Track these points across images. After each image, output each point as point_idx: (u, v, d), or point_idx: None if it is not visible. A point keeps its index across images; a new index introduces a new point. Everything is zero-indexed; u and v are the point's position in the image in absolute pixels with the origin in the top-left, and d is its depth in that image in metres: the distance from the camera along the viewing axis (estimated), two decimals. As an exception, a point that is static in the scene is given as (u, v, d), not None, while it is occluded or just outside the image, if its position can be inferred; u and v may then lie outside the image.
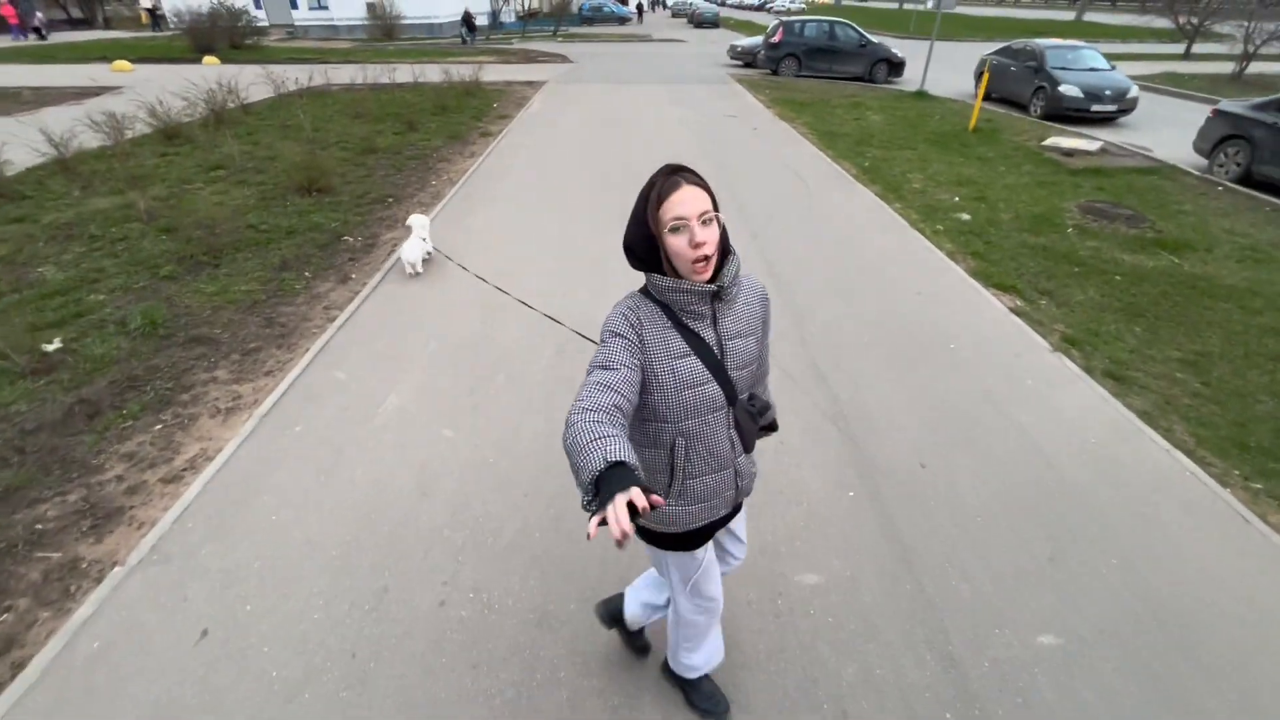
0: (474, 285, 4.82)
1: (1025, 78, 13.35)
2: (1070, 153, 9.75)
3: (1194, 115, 13.48)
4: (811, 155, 9.03)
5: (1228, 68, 17.74)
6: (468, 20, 25.54)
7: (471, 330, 4.20)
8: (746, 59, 19.32)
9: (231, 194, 6.63)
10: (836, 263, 5.35)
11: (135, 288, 4.61)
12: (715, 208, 1.32)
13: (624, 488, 0.97)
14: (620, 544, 0.91)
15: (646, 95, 13.64)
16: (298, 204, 6.39)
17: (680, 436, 1.42)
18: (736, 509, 1.68)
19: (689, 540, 1.59)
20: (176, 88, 9.69)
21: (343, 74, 14.10)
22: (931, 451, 3.09)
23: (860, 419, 3.34)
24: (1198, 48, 21.36)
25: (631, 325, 1.35)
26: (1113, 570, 2.45)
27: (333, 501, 2.74)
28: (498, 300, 4.59)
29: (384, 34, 27.38)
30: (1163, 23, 23.23)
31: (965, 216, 6.69)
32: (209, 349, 3.91)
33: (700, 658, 1.85)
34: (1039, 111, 12.83)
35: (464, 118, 10.88)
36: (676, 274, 1.34)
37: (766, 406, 1.56)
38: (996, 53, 14.99)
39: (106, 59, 17.71)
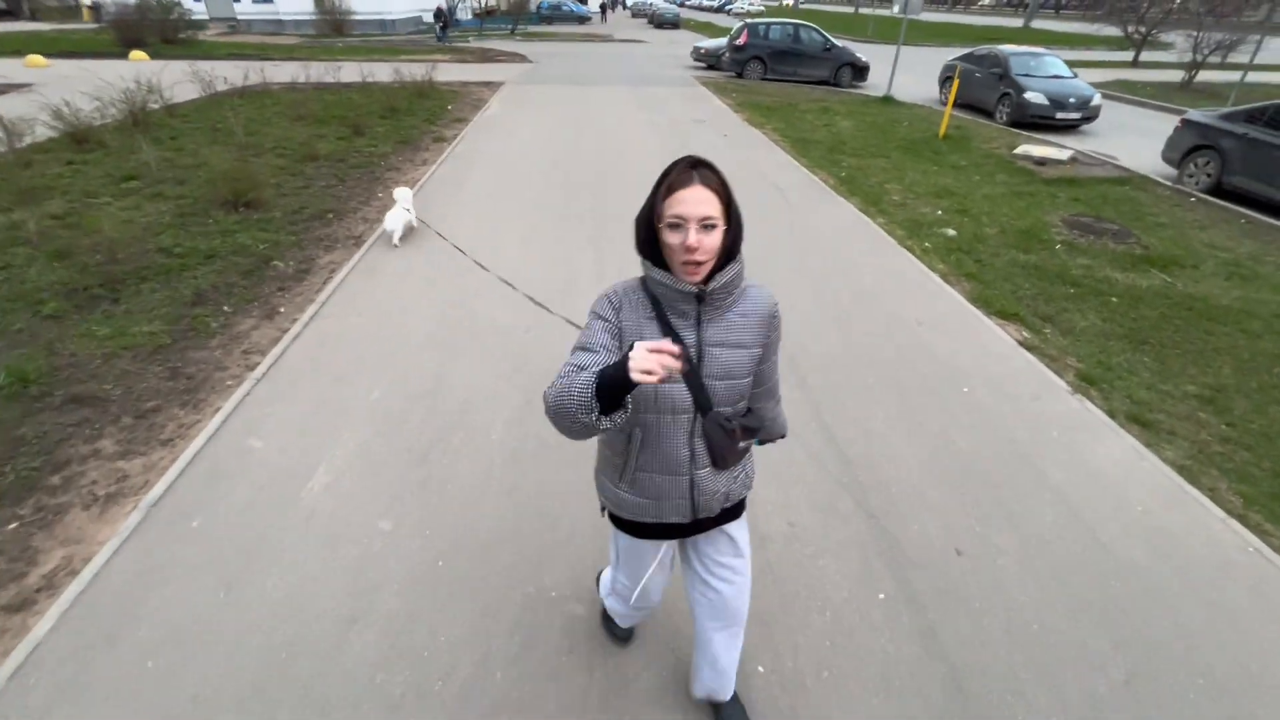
0: (428, 313, 4.21)
1: (990, 84, 13.31)
2: (1042, 161, 9.63)
3: (1152, 123, 13.71)
4: (786, 164, 8.64)
5: (1176, 75, 18.21)
6: (441, 15, 24.48)
7: (423, 374, 3.60)
8: (710, 61, 18.97)
9: (144, 210, 5.82)
10: (826, 286, 4.92)
11: (10, 331, 3.84)
12: (728, 215, 1.27)
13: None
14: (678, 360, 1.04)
15: (610, 98, 13.11)
16: (222, 221, 5.64)
17: (637, 427, 1.40)
18: (700, 525, 1.55)
19: (637, 530, 1.58)
20: (93, 86, 8.68)
21: (284, 72, 13.12)
22: (965, 531, 2.65)
23: (878, 487, 2.89)
24: (1144, 55, 21.97)
25: (614, 308, 1.34)
26: (1201, 694, 2.04)
27: (234, 633, 2.13)
28: (454, 333, 3.99)
29: (333, 30, 26.13)
30: (1111, 30, 23.84)
31: (951, 232, 6.37)
32: (94, 412, 3.21)
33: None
34: (1004, 118, 12.80)
35: (416, 121, 10.15)
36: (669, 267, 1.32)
37: (754, 429, 1.42)
38: (960, 58, 14.96)
39: (21, 53, 16.23)
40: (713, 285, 1.29)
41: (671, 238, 1.25)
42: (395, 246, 5.31)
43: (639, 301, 1.35)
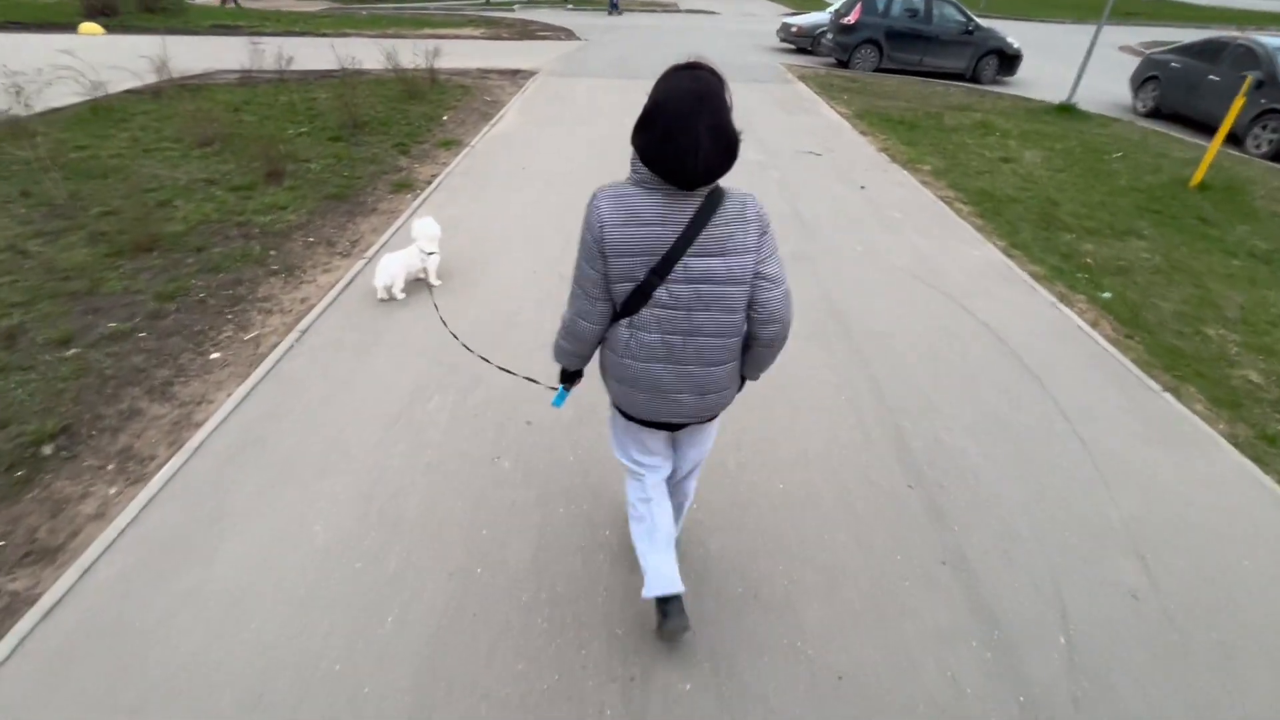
0: None
1: (1236, 94, 8.92)
2: None
3: None
4: (992, 265, 4.84)
5: None
6: None
7: None
8: (802, 43, 14.90)
9: None
10: None
11: None
12: None
13: None
14: None
15: (675, 102, 9.35)
16: None
17: None
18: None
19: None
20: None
21: (248, 57, 9.85)
22: None
23: None
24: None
25: None
26: None
27: None
28: None
29: (366, -5, 22.87)
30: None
31: None
32: None
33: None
34: (1264, 148, 8.57)
35: (383, 147, 6.72)
36: None
37: None
38: (1173, 50, 10.60)
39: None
40: None
41: None
42: (382, 300, 3.76)
43: None
